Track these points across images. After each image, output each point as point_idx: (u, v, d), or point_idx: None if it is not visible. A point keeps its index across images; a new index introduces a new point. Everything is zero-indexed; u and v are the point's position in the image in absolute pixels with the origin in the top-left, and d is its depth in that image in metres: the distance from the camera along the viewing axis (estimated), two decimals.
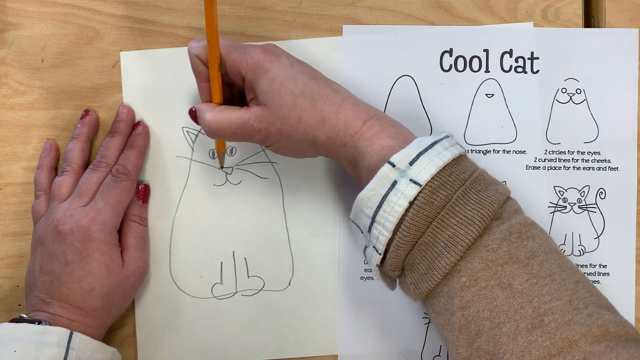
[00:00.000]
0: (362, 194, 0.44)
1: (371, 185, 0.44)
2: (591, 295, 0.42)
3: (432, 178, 0.43)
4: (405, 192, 0.42)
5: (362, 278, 0.56)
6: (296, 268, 0.56)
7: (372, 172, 0.44)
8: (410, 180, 0.43)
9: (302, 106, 0.46)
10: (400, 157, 0.43)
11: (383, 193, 0.43)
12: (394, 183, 0.43)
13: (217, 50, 0.47)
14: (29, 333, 0.47)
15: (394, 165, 0.43)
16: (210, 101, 0.50)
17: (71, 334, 0.48)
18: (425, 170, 0.43)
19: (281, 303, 0.56)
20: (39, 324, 0.47)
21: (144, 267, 0.54)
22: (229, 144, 0.56)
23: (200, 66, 0.49)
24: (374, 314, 0.56)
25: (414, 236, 0.43)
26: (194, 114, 0.50)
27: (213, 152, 0.56)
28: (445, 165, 0.43)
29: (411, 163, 0.43)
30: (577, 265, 0.56)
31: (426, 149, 0.44)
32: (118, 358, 0.52)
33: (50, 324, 0.48)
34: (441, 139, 0.45)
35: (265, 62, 0.47)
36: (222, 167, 0.56)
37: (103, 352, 0.50)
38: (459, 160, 0.44)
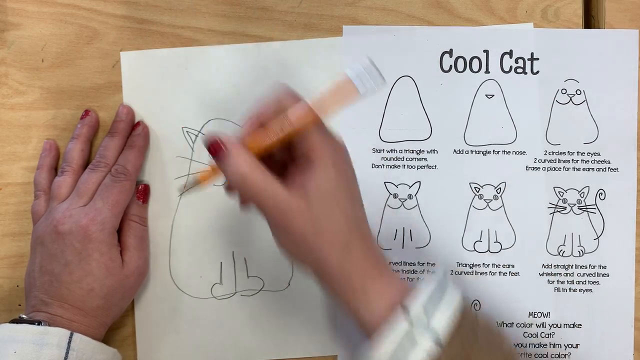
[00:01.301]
0: (378, 340, 0.41)
1: (384, 329, 0.41)
2: None
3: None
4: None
5: None
6: (296, 268, 0.56)
7: (383, 317, 0.42)
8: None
9: (341, 231, 0.42)
10: (413, 301, 0.42)
11: None
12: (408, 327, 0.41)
13: (312, 116, 0.41)
14: (29, 334, 0.47)
15: (408, 310, 0.41)
16: (246, 142, 0.43)
17: (71, 334, 0.48)
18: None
19: (281, 303, 0.56)
20: (38, 324, 0.47)
21: (144, 267, 0.54)
22: None
23: (271, 107, 0.43)
24: None
25: None
26: (218, 146, 0.42)
27: None
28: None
29: (425, 305, 0.42)
30: (577, 266, 0.57)
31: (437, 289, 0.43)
32: (118, 358, 0.52)
33: (50, 325, 0.48)
34: (444, 276, 0.44)
35: (342, 162, 0.43)
36: (180, 194, 0.54)
37: (103, 352, 0.50)
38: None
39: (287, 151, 0.44)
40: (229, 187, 0.47)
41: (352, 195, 0.44)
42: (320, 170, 0.42)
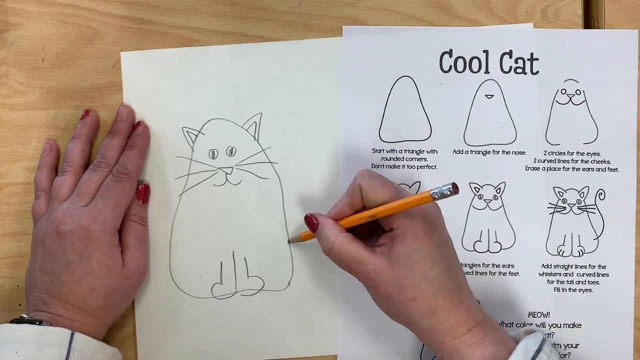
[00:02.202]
0: None
1: None
2: None
3: None
4: None
5: None
6: (296, 268, 0.56)
7: None
8: None
9: (424, 290, 0.46)
10: None
11: None
12: None
13: (387, 212, 0.46)
14: (30, 334, 0.47)
15: None
16: (338, 218, 0.50)
17: (72, 334, 0.48)
18: None
19: (281, 303, 0.56)
20: (39, 324, 0.47)
21: (144, 267, 0.54)
22: (229, 143, 0.56)
23: (358, 197, 0.48)
24: (374, 314, 0.56)
25: None
26: (314, 224, 0.50)
27: (213, 152, 0.56)
28: None
29: None
30: (577, 266, 0.57)
31: (533, 358, 0.45)
32: (119, 358, 0.52)
33: (51, 324, 0.48)
34: (542, 346, 0.46)
35: (420, 231, 0.46)
36: (288, 241, 0.57)
37: (104, 352, 0.50)
38: None
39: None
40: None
41: (434, 260, 0.47)
42: (402, 241, 0.46)
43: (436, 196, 0.43)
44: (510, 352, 0.45)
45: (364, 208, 0.49)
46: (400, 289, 0.46)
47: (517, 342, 0.46)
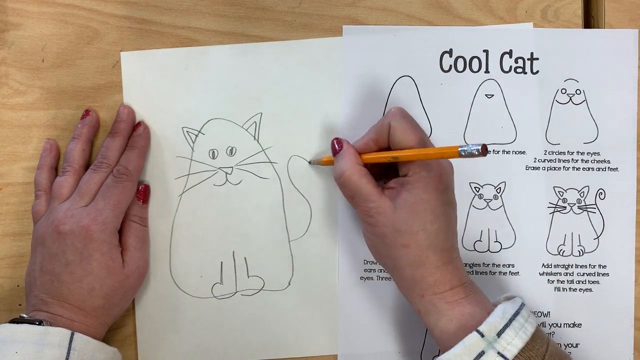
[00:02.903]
0: (446, 357, 0.45)
1: (457, 350, 0.44)
2: None
3: (519, 352, 0.43)
4: None
5: (361, 278, 0.56)
6: (296, 268, 0.56)
7: (451, 335, 0.45)
8: (498, 353, 0.43)
9: (419, 240, 0.47)
10: (488, 328, 0.44)
11: None
12: (481, 353, 0.44)
13: (410, 156, 0.47)
14: (30, 334, 0.47)
15: (482, 335, 0.44)
16: (361, 152, 0.50)
17: (72, 334, 0.48)
18: (512, 344, 0.44)
19: (281, 303, 0.56)
20: (39, 324, 0.47)
21: (144, 267, 0.54)
22: (229, 143, 0.56)
23: (385, 134, 0.49)
24: (373, 314, 0.56)
25: None
26: (336, 149, 0.51)
27: (213, 152, 0.56)
28: (528, 339, 0.44)
29: (498, 334, 0.44)
30: (577, 265, 0.57)
31: (510, 320, 0.45)
32: (119, 358, 0.52)
33: (50, 324, 0.48)
34: (520, 309, 0.46)
35: (431, 185, 0.47)
36: (309, 161, 0.57)
37: (104, 352, 0.50)
38: (536, 332, 0.45)
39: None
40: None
41: (436, 215, 0.47)
42: (411, 189, 0.47)
43: (463, 153, 0.42)
44: (489, 314, 0.45)
45: (388, 147, 0.49)
46: (396, 233, 0.47)
47: (495, 305, 0.47)
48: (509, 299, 0.48)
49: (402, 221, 0.47)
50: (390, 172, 0.52)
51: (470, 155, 0.41)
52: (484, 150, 0.41)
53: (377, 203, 0.48)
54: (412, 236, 0.47)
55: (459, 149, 0.42)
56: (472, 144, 0.41)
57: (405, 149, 0.47)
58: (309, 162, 0.56)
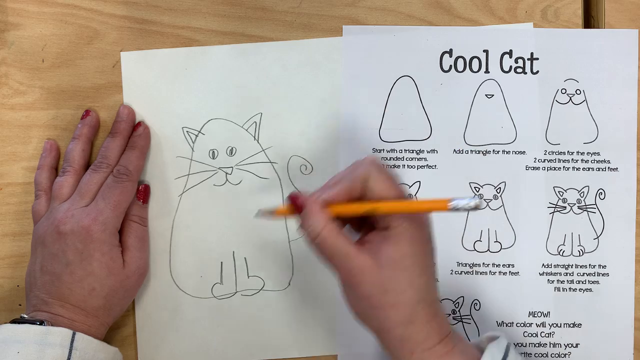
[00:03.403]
0: None
1: None
2: None
3: None
4: None
5: None
6: (296, 268, 0.56)
7: None
8: None
9: (408, 298, 0.43)
10: None
11: None
12: None
13: (393, 210, 0.43)
14: (32, 334, 0.47)
15: None
16: (330, 202, 0.44)
17: (74, 334, 0.48)
18: None
19: (281, 303, 0.56)
20: (40, 324, 0.47)
21: (144, 267, 0.54)
22: (229, 143, 0.56)
23: (359, 184, 0.44)
24: None
25: None
26: (299, 206, 0.44)
27: (213, 152, 0.56)
28: None
29: None
30: (577, 265, 0.57)
31: None
32: (120, 358, 0.52)
33: (52, 324, 0.48)
34: (507, 351, 0.45)
35: (417, 237, 0.44)
36: (255, 216, 0.54)
37: (105, 351, 0.50)
38: None
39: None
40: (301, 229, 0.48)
41: (423, 269, 0.44)
42: (395, 243, 0.43)
43: (452, 207, 0.41)
44: None
45: (359, 198, 0.45)
46: (383, 292, 0.43)
47: (481, 350, 0.45)
48: (492, 339, 0.46)
49: (388, 279, 0.43)
50: (362, 223, 0.47)
51: (461, 209, 0.40)
52: (477, 206, 0.39)
53: (358, 262, 0.43)
54: (401, 294, 0.43)
55: (448, 205, 0.40)
56: (466, 197, 0.39)
57: (385, 200, 0.44)
58: (257, 214, 0.50)
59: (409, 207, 0.43)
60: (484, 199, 0.56)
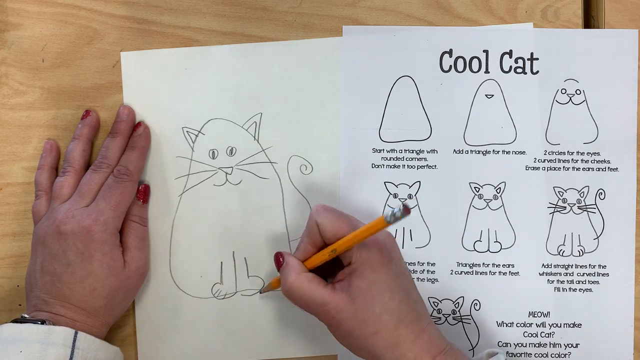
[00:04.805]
0: None
1: None
2: None
3: None
4: None
5: None
6: None
7: None
8: None
9: (385, 323, 0.45)
10: None
11: None
12: None
13: (346, 244, 0.46)
14: (34, 333, 0.47)
15: None
16: (303, 259, 0.48)
17: (76, 333, 0.48)
18: None
19: (281, 303, 0.56)
20: (42, 323, 0.48)
21: (145, 267, 0.54)
22: (229, 143, 0.56)
23: (316, 233, 0.47)
24: None
25: None
26: (279, 262, 0.48)
27: (213, 152, 0.56)
28: None
29: None
30: (577, 265, 0.57)
31: None
32: (121, 357, 0.52)
33: (53, 324, 0.48)
34: None
35: (377, 263, 0.46)
36: (258, 292, 0.56)
37: (107, 351, 0.50)
38: None
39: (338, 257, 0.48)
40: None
41: (393, 290, 0.46)
42: (360, 274, 0.46)
43: (390, 220, 0.42)
44: None
45: (325, 245, 0.48)
46: (362, 324, 0.45)
47: None
48: (491, 355, 0.47)
49: (362, 310, 0.45)
50: (337, 266, 0.49)
51: (396, 218, 0.41)
52: (406, 210, 0.41)
53: (333, 302, 0.45)
54: (378, 321, 0.45)
55: (385, 218, 0.42)
56: (394, 207, 0.41)
57: (341, 239, 0.46)
58: (259, 292, 0.56)
59: (355, 237, 0.45)
60: (484, 199, 0.56)
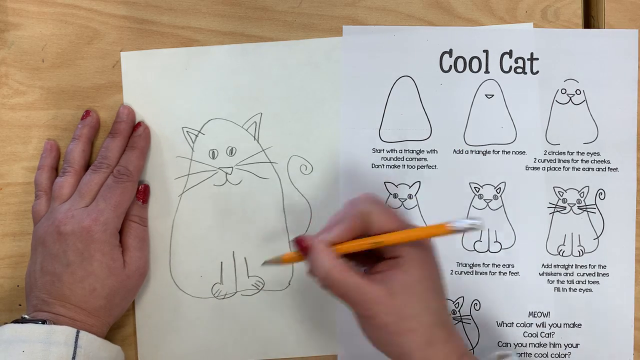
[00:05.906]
0: None
1: None
2: None
3: None
4: None
5: None
6: (296, 268, 0.56)
7: None
8: None
9: (424, 321, 0.44)
10: None
11: None
12: None
13: (398, 239, 0.45)
14: (36, 333, 0.47)
15: None
16: (335, 242, 0.45)
17: (78, 332, 0.48)
18: None
19: (281, 303, 0.56)
20: (43, 323, 0.48)
21: (145, 267, 0.54)
22: (229, 143, 0.56)
23: (361, 221, 0.45)
24: None
25: None
26: (305, 249, 0.45)
27: (213, 152, 0.56)
28: None
29: None
30: (577, 265, 0.57)
31: None
32: (122, 356, 0.52)
33: (54, 324, 0.48)
34: None
35: (425, 263, 0.45)
36: (263, 264, 0.52)
37: (109, 350, 0.50)
38: None
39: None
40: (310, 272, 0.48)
41: (436, 292, 0.46)
42: (407, 270, 0.44)
43: (454, 229, 0.42)
44: None
45: (362, 235, 0.46)
46: (399, 320, 0.44)
47: None
48: (502, 357, 0.47)
49: (404, 305, 0.44)
50: (369, 255, 0.48)
51: (460, 232, 0.41)
52: (473, 227, 0.41)
53: (372, 293, 0.44)
54: (417, 319, 0.44)
55: (450, 228, 0.42)
56: (465, 219, 0.41)
57: (388, 232, 0.45)
58: (263, 264, 0.51)
59: (411, 235, 0.44)
60: (484, 199, 0.56)
